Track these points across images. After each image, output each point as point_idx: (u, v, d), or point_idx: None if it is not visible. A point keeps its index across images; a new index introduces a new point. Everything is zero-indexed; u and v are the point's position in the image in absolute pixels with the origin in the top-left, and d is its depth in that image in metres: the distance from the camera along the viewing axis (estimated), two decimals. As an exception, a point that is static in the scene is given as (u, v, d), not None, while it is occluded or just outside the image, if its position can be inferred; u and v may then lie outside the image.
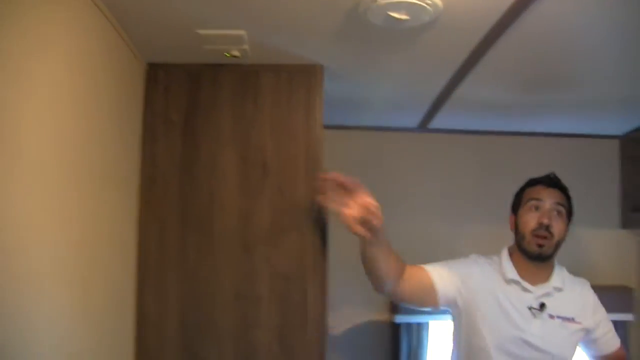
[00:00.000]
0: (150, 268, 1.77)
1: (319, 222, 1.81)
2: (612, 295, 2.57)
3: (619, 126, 2.80)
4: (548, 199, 1.97)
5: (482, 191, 2.70)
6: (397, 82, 2.14)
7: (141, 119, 1.82)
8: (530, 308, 1.94)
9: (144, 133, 1.82)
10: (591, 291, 2.09)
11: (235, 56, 1.75)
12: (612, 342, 2.09)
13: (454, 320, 2.05)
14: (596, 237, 2.90)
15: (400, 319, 2.62)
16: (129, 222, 1.75)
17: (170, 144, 1.81)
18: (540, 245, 1.93)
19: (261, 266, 1.77)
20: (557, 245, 1.97)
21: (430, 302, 1.97)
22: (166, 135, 1.82)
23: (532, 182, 2.06)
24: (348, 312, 2.69)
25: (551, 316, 1.95)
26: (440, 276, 1.97)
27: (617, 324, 2.66)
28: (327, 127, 2.52)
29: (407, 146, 2.80)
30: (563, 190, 2.02)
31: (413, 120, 2.67)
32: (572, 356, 2.01)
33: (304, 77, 1.86)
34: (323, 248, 1.81)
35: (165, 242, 1.78)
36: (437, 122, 2.63)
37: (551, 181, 2.03)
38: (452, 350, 2.09)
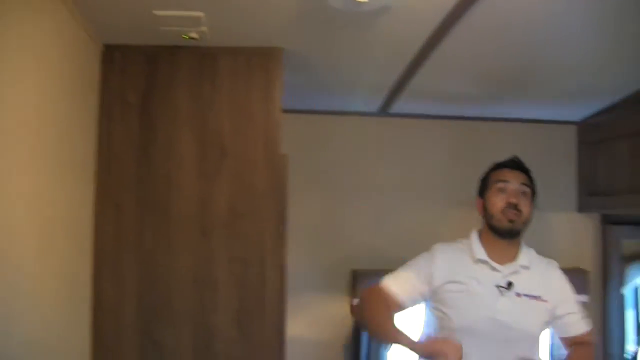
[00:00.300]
0: (107, 252, 1.75)
1: None
2: (568, 278, 2.63)
3: (577, 112, 2.84)
4: (514, 180, 2.04)
5: (444, 175, 2.72)
6: (357, 67, 2.13)
7: (97, 100, 1.78)
8: (498, 286, 1.99)
9: (101, 115, 1.79)
10: (559, 272, 2.15)
11: (193, 38, 1.73)
12: (579, 325, 2.12)
13: (425, 305, 2.11)
14: (554, 220, 2.96)
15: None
16: (85, 205, 1.73)
17: (127, 126, 1.79)
18: (511, 220, 1.99)
19: (219, 250, 1.77)
20: (526, 223, 2.04)
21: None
22: (123, 117, 1.79)
23: (497, 166, 2.11)
24: (308, 297, 2.70)
25: (518, 294, 2.00)
26: (404, 290, 2.02)
27: (571, 306, 2.73)
28: (288, 111, 2.51)
29: (368, 130, 2.80)
30: (527, 172, 2.08)
31: (374, 105, 2.67)
32: (540, 333, 2.07)
33: (263, 60, 1.84)
34: (282, 232, 1.81)
35: (122, 225, 1.76)
36: (398, 106, 2.64)
37: (515, 164, 2.09)
38: (422, 331, 2.14)
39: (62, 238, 1.54)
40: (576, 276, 2.83)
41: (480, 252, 2.04)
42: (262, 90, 1.83)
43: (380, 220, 2.77)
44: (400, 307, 2.04)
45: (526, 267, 2.04)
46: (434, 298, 2.04)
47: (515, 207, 1.99)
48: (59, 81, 1.49)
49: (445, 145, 2.83)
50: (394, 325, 1.97)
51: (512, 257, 2.05)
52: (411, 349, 1.88)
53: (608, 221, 2.97)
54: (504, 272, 2.02)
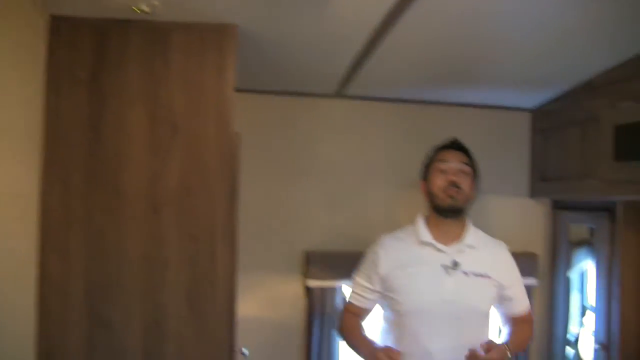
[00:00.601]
0: (54, 229, 1.71)
1: None
2: (519, 261, 2.68)
3: (530, 100, 2.89)
4: (453, 160, 2.12)
5: (397, 157, 2.74)
6: (312, 47, 2.12)
7: (44, 74, 1.73)
8: (444, 267, 2.05)
9: (48, 89, 1.73)
10: (507, 252, 2.23)
11: (144, 12, 1.69)
12: (523, 304, 2.22)
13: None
14: (506, 205, 3.01)
15: (312, 283, 2.64)
16: (30, 181, 1.69)
17: (75, 101, 1.74)
18: (451, 196, 2.06)
19: (170, 227, 1.74)
20: (468, 200, 2.11)
21: None
22: (71, 91, 1.74)
23: (438, 148, 2.21)
24: (261, 277, 2.70)
25: (465, 273, 2.06)
26: (364, 300, 2.17)
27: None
28: (243, 90, 2.49)
29: (324, 112, 2.79)
30: (466, 152, 2.17)
31: (329, 87, 2.66)
32: (488, 309, 2.14)
33: (216, 36, 1.81)
34: (233, 210, 1.80)
35: (69, 201, 1.72)
36: (353, 89, 2.64)
37: (454, 145, 2.19)
38: (381, 313, 2.21)
39: (6, 214, 1.50)
40: (526, 259, 2.90)
41: (425, 235, 2.11)
42: (215, 67, 1.81)
43: (334, 201, 2.78)
44: (366, 313, 2.21)
45: (472, 247, 2.11)
46: (383, 286, 2.11)
47: (455, 184, 2.06)
48: (1, 52, 1.45)
49: (399, 128, 2.85)
50: (360, 335, 2.14)
51: (458, 237, 2.12)
52: (368, 351, 2.02)
53: (558, 206, 3.04)
54: (449, 252, 2.08)
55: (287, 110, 2.75)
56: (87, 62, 1.75)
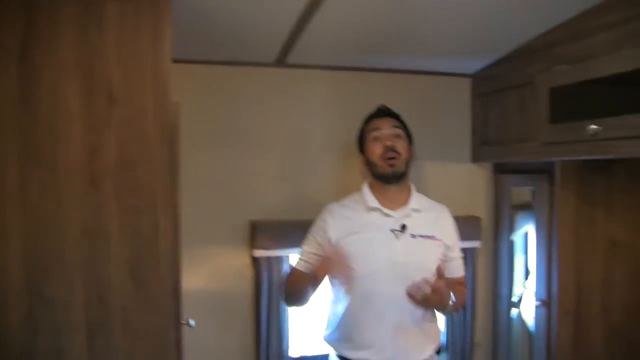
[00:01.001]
0: (-12, 206, 1.66)
1: None
2: (463, 225, 2.76)
3: (470, 65, 2.94)
4: (385, 126, 2.19)
5: (340, 125, 2.75)
6: (250, 15, 2.10)
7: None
8: (392, 230, 2.11)
9: (-27, 62, 1.66)
10: (450, 216, 2.32)
11: (75, -20, 1.64)
12: (460, 268, 2.32)
13: None
14: (450, 170, 3.08)
15: (259, 253, 2.65)
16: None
17: (5, 73, 1.67)
18: (391, 165, 2.12)
19: (110, 200, 1.71)
20: (407, 163, 2.18)
21: None
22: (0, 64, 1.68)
23: (367, 119, 2.27)
24: (206, 248, 2.69)
25: (413, 235, 2.13)
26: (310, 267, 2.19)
27: (467, 251, 2.89)
28: (182, 60, 2.46)
29: (265, 81, 2.77)
30: (396, 117, 2.24)
31: (269, 56, 2.64)
32: (435, 267, 2.18)
33: (151, 6, 1.76)
34: (174, 181, 1.78)
35: (3, 178, 1.66)
36: (294, 57, 2.63)
37: (383, 112, 2.25)
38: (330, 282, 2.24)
39: None
40: (471, 223, 2.98)
41: (372, 201, 2.17)
42: (151, 37, 1.76)
43: (278, 170, 2.79)
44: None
45: (418, 210, 2.17)
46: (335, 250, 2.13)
47: (392, 149, 2.12)
48: None
49: (340, 96, 2.86)
50: (301, 276, 2.18)
51: (404, 202, 2.18)
52: (314, 280, 2.08)
53: (500, 170, 3.12)
54: (396, 217, 2.14)
55: (228, 80, 2.72)
56: (16, 32, 1.68)
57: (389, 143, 2.13)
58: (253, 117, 2.75)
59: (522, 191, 3.07)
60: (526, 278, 3.14)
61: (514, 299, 3.12)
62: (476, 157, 3.07)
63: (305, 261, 2.21)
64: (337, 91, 2.87)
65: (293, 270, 2.24)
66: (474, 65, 2.92)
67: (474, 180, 3.13)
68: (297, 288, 2.17)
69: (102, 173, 1.71)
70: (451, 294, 2.09)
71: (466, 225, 2.90)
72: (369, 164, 2.19)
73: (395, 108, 2.31)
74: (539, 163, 2.77)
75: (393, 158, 2.13)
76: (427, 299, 1.98)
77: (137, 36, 1.76)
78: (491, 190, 3.16)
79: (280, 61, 2.69)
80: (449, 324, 3.07)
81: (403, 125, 2.24)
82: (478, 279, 3.10)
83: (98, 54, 1.74)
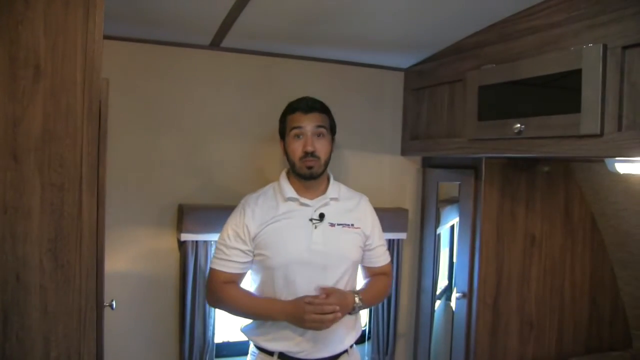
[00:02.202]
0: None
1: None
2: (390, 217, 2.82)
3: (403, 60, 2.99)
4: (308, 124, 2.15)
5: (269, 111, 2.74)
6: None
7: None
8: (311, 220, 2.11)
9: None
10: (369, 205, 2.33)
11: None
12: (383, 257, 2.33)
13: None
14: (380, 162, 3.13)
15: (185, 236, 2.61)
16: None
17: None
18: (309, 167, 2.12)
19: (32, 176, 1.64)
20: (326, 163, 2.17)
21: None
22: None
23: (291, 109, 2.22)
24: (132, 231, 2.64)
25: (331, 224, 2.15)
26: (233, 266, 2.15)
27: (394, 242, 2.94)
28: (113, 37, 2.40)
29: (197, 64, 2.73)
30: (321, 110, 2.20)
31: (204, 38, 2.61)
32: (356, 257, 2.22)
33: (84, -23, 1.71)
34: (100, 158, 1.72)
35: None
36: (229, 41, 2.61)
37: (308, 107, 2.18)
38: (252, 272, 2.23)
39: None
40: (397, 215, 3.04)
41: (290, 191, 2.16)
42: (82, 9, 1.69)
43: (207, 154, 2.76)
44: (240, 278, 2.19)
45: (336, 199, 2.20)
46: (254, 245, 2.14)
47: (312, 154, 2.11)
48: None
49: (271, 83, 2.86)
50: (253, 299, 2.16)
51: (322, 192, 2.21)
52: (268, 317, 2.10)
53: (428, 164, 3.19)
54: (314, 206, 2.15)
55: (161, 60, 2.66)
56: None
57: (309, 148, 2.11)
58: (184, 100, 2.71)
59: (450, 186, 3.16)
60: (450, 271, 3.23)
61: (438, 291, 3.21)
62: (405, 151, 3.13)
63: (230, 261, 2.14)
64: (270, 78, 2.86)
65: (219, 275, 2.14)
66: (408, 60, 2.97)
67: (402, 173, 3.19)
68: (245, 310, 2.15)
69: (23, 147, 1.64)
70: (356, 295, 2.12)
71: (393, 217, 2.96)
72: (288, 158, 2.19)
73: (328, 98, 2.32)
74: (466, 159, 2.85)
75: (311, 164, 2.13)
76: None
77: (67, 9, 1.69)
78: (419, 184, 3.23)
79: (215, 44, 2.66)
80: (373, 314, 3.13)
81: (328, 117, 2.23)
82: (403, 270, 3.17)
83: (24, 23, 1.66)
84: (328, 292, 2.03)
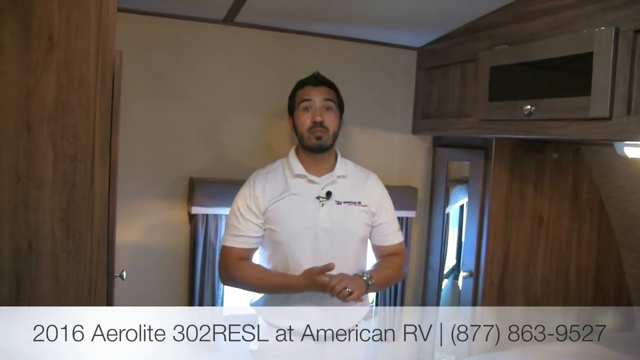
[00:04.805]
0: None
1: None
2: (399, 195, 2.82)
3: (417, 39, 2.98)
4: (317, 97, 2.17)
5: (282, 87, 2.75)
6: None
7: None
8: (318, 197, 2.12)
9: None
10: (379, 182, 2.32)
11: None
12: (394, 235, 2.31)
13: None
14: (390, 140, 3.13)
15: (196, 210, 2.64)
16: None
17: None
18: (318, 138, 2.13)
19: (45, 146, 1.67)
20: (334, 136, 2.18)
21: None
22: None
23: (301, 85, 2.24)
24: (144, 202, 2.67)
25: (338, 202, 2.16)
26: (246, 241, 2.16)
27: (403, 220, 2.95)
28: (128, 10, 2.40)
29: (211, 38, 2.73)
30: (330, 86, 2.22)
31: (219, 13, 2.60)
32: (364, 234, 2.24)
33: (98, -52, 1.71)
34: (112, 129, 1.74)
35: None
36: (243, 16, 2.60)
37: (317, 80, 2.22)
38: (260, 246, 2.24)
39: None
40: (407, 193, 3.05)
41: (298, 168, 2.18)
42: (97, -19, 1.71)
43: (219, 129, 2.78)
44: (252, 253, 2.21)
45: (343, 177, 2.21)
46: (265, 220, 2.15)
47: (320, 124, 2.12)
48: None
49: (285, 59, 2.85)
50: (272, 276, 2.16)
51: (330, 169, 2.21)
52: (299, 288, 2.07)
53: (439, 143, 3.19)
54: (322, 184, 2.16)
55: (174, 34, 2.67)
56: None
57: (318, 119, 2.13)
58: (196, 74, 2.72)
59: (460, 166, 3.16)
60: (459, 251, 3.24)
61: (446, 270, 3.23)
62: (416, 129, 3.13)
63: (243, 235, 2.15)
64: (282, 54, 2.85)
65: (234, 252, 2.15)
66: (421, 39, 2.96)
67: (413, 151, 3.20)
68: (265, 287, 2.16)
69: (37, 117, 1.66)
70: (365, 276, 2.07)
71: (402, 195, 2.97)
72: (297, 132, 2.20)
73: (340, 75, 2.33)
74: (477, 139, 2.86)
75: (320, 134, 2.14)
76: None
77: (81, -20, 1.70)
78: (429, 163, 3.24)
79: (229, 19, 2.66)
80: (380, 291, 3.14)
81: (336, 93, 2.24)
82: (412, 248, 3.19)
83: (39, -6, 1.67)
84: (338, 277, 2.00)
